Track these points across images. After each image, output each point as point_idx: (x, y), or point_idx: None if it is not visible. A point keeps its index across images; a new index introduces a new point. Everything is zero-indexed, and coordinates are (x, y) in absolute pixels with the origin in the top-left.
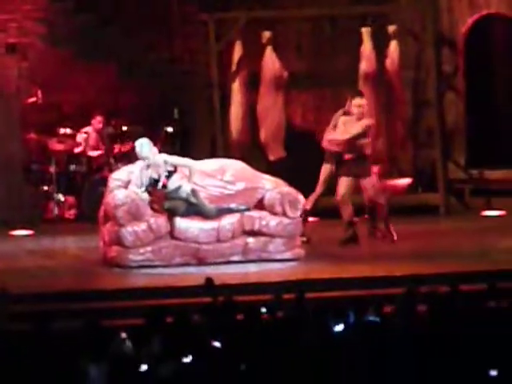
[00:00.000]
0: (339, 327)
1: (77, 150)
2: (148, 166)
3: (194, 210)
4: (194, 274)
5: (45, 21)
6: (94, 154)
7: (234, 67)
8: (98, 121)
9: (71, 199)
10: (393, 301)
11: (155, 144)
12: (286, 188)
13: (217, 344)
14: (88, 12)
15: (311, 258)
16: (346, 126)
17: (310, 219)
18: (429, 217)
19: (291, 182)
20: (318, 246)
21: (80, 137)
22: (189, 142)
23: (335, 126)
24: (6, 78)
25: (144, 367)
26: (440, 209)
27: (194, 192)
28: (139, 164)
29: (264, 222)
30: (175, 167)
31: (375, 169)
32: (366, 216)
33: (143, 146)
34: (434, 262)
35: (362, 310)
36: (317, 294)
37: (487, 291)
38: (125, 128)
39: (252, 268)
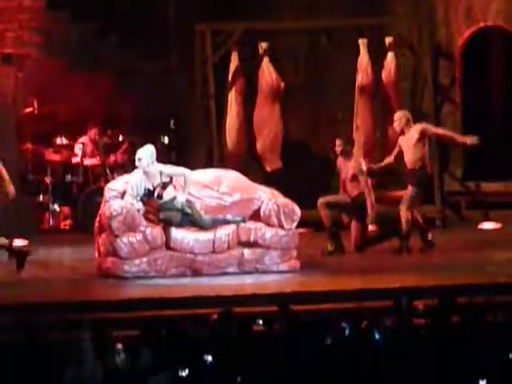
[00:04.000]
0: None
1: (73, 160)
2: (144, 177)
3: (190, 220)
4: (190, 285)
5: (41, 30)
6: (90, 163)
7: (230, 78)
8: (93, 131)
9: (67, 209)
10: (388, 313)
11: None
12: (282, 199)
13: (210, 357)
14: (84, 21)
15: (307, 269)
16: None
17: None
18: None
19: (287, 194)
20: (313, 257)
21: (76, 147)
22: (185, 152)
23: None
24: (2, 89)
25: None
26: (436, 221)
27: (189, 203)
28: (135, 174)
29: (260, 234)
30: (171, 178)
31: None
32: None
33: (145, 154)
34: (430, 275)
35: (357, 323)
36: (311, 306)
37: (485, 305)
38: (121, 138)
39: (247, 279)
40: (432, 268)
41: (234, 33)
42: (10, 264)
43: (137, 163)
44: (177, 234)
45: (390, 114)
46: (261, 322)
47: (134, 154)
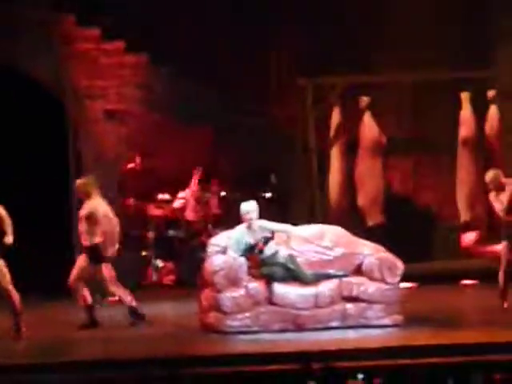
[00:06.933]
0: None
1: (175, 215)
2: (246, 232)
3: (292, 275)
4: (293, 340)
5: (143, 86)
6: (191, 218)
7: (332, 132)
8: (196, 185)
9: (170, 265)
10: (495, 369)
11: None
12: (385, 254)
13: None
14: (186, 77)
15: (410, 324)
16: None
17: None
18: None
19: (390, 248)
20: (418, 312)
21: (177, 202)
22: (286, 207)
23: None
24: (104, 144)
25: None
26: None
27: (291, 257)
28: (237, 229)
29: (362, 288)
30: (272, 233)
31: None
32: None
33: (252, 208)
34: None
35: (463, 378)
36: (415, 360)
37: None
38: (223, 193)
39: (350, 334)
40: None
41: (336, 87)
42: (112, 320)
43: (246, 217)
44: (279, 288)
45: (494, 167)
46: (361, 376)
47: (231, 208)
